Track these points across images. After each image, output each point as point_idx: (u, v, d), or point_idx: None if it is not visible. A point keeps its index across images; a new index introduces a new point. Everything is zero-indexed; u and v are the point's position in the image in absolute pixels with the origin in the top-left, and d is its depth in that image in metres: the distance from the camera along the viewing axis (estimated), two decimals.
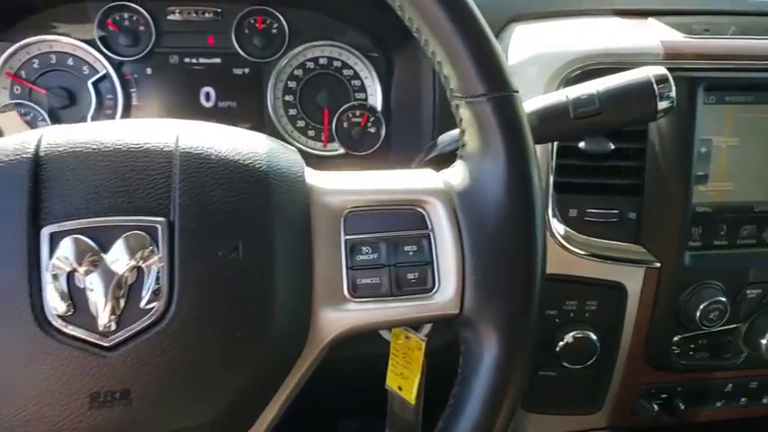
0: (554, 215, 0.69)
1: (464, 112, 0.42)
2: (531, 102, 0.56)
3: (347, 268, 0.42)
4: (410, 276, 0.42)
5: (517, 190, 0.41)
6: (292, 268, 0.41)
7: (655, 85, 0.53)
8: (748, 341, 0.74)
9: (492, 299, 0.41)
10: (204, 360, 0.38)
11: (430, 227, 0.43)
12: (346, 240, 0.42)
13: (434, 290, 0.42)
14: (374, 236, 0.43)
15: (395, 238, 0.43)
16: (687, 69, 0.66)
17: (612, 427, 0.82)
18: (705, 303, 0.69)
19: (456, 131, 0.61)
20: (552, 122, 0.55)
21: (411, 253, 0.43)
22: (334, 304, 0.42)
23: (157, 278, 0.38)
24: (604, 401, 0.79)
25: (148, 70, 0.82)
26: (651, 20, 0.73)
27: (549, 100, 0.55)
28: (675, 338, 0.73)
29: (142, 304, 0.38)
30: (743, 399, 0.82)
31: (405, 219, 0.43)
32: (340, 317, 0.42)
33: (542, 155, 0.68)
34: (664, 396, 0.79)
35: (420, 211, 0.43)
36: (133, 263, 0.38)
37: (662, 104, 0.53)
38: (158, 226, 0.38)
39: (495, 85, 0.41)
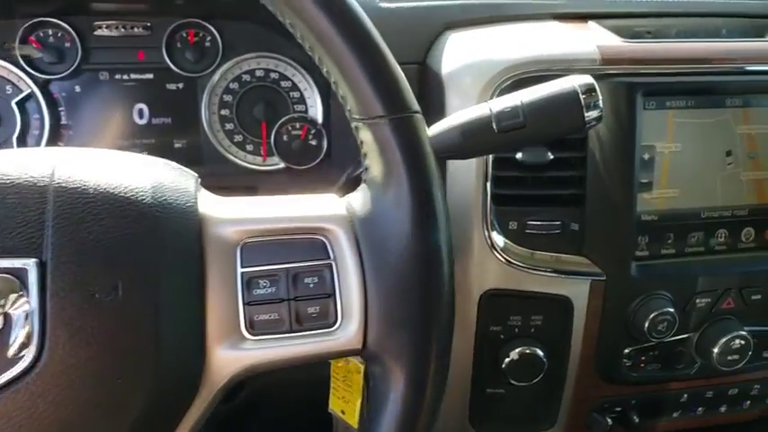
0: (493, 228, 0.66)
1: (364, 135, 0.39)
2: (455, 116, 0.53)
3: (244, 304, 0.39)
4: (311, 310, 0.40)
5: (419, 217, 0.38)
6: (181, 307, 0.38)
7: (581, 95, 0.50)
8: (700, 351, 0.72)
9: (395, 333, 0.38)
10: (80, 415, 0.35)
11: (332, 256, 0.40)
12: (242, 274, 0.40)
13: (337, 324, 0.40)
14: (272, 268, 0.40)
15: (294, 270, 0.40)
16: (625, 75, 0.64)
17: None
18: (653, 314, 0.67)
19: None
20: (476, 137, 0.52)
21: (312, 285, 0.40)
22: (231, 343, 0.39)
23: (27, 325, 0.35)
24: (557, 417, 0.77)
25: (77, 88, 0.79)
26: (591, 23, 0.71)
27: (472, 114, 0.52)
28: (626, 351, 0.71)
29: (9, 354, 0.35)
30: (699, 409, 0.80)
31: (305, 248, 0.41)
32: (237, 356, 0.39)
33: (479, 167, 0.65)
34: (618, 409, 0.77)
35: (321, 240, 0.40)
36: None
37: (589, 115, 0.51)
38: (28, 268, 0.35)
39: (394, 105, 0.39)
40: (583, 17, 0.72)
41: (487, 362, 0.71)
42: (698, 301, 0.71)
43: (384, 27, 0.72)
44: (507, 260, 0.67)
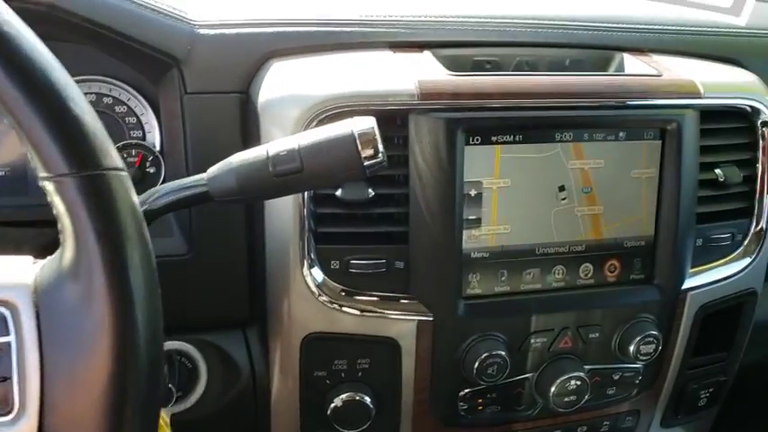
0: (314, 267, 0.63)
1: (51, 193, 0.35)
2: (234, 157, 0.50)
3: None
4: None
5: (110, 298, 0.34)
6: None
7: (357, 140, 0.47)
8: (540, 391, 0.70)
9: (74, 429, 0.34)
10: None
11: (11, 333, 0.35)
12: None
13: (13, 413, 0.35)
14: None
15: None
16: (445, 110, 0.62)
17: None
18: (483, 357, 0.65)
19: (189, 179, 0.54)
20: (251, 180, 0.49)
21: None
22: None
23: None
24: None
25: None
26: (426, 53, 0.69)
27: (249, 155, 0.49)
28: (461, 393, 0.69)
29: None
30: None
31: None
32: None
33: (296, 204, 0.62)
34: None
35: (2, 313, 0.36)
36: None
37: (368, 159, 0.48)
38: None
39: (83, 161, 0.34)
40: (420, 46, 0.70)
41: (314, 408, 0.67)
42: (533, 340, 0.68)
43: (203, 54, 0.71)
44: (330, 301, 0.63)
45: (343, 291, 0.64)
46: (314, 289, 0.63)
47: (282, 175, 0.48)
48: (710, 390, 0.82)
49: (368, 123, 0.48)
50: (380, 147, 0.48)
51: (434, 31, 0.71)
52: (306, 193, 0.62)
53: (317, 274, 0.63)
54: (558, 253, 0.68)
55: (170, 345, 0.68)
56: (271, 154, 0.48)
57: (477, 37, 0.72)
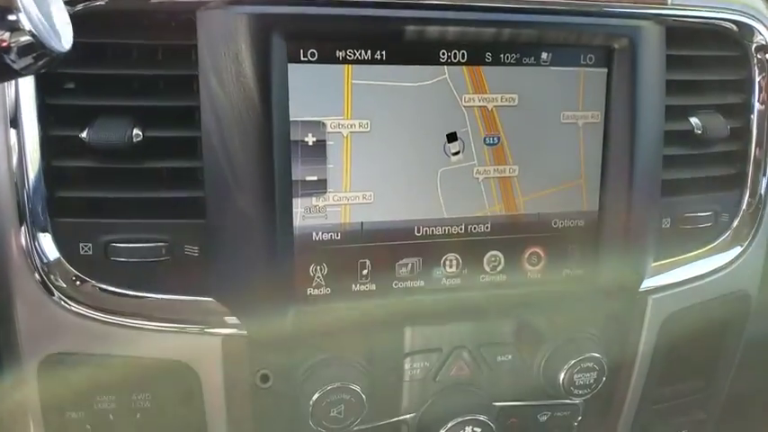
0: (44, 253, 0.40)
1: None
2: None
3: None
4: None
5: None
6: None
7: None
8: None
9: None
10: None
11: None
12: None
13: None
14: None
15: None
16: (253, 2, 0.40)
17: None
18: (322, 393, 0.42)
19: None
20: None
21: None
22: None
23: None
24: None
25: None
26: None
27: None
28: None
29: None
30: None
31: None
32: None
33: (3, 149, 0.39)
34: None
35: None
36: None
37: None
38: None
39: None
40: None
41: None
42: (410, 366, 0.46)
43: None
44: (80, 306, 0.41)
45: (100, 289, 0.41)
46: (51, 287, 0.41)
47: None
48: None
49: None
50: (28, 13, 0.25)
51: None
52: (29, 132, 0.39)
53: (57, 264, 0.41)
54: (450, 235, 0.46)
55: None
56: None
57: None
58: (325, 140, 0.42)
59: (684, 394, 0.58)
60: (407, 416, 0.47)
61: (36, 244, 0.40)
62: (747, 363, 0.59)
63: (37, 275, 0.40)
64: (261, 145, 0.40)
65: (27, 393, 0.42)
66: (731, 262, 0.54)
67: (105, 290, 0.41)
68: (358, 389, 0.43)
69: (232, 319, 0.43)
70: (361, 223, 0.44)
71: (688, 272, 0.53)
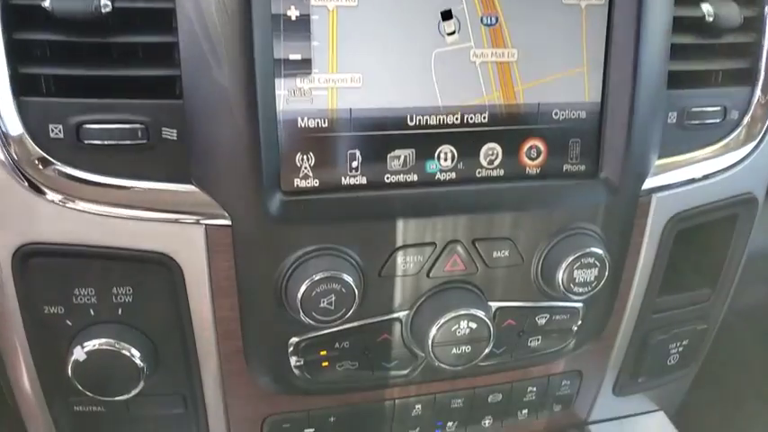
0: (10, 136, 0.37)
1: None
2: None
3: None
4: None
5: None
6: None
7: None
8: (417, 339, 0.46)
9: None
10: None
11: None
12: None
13: None
14: None
15: None
16: None
17: None
18: (309, 284, 0.40)
19: None
20: None
21: None
22: None
23: None
24: None
25: None
26: None
27: None
28: (292, 341, 0.45)
29: None
30: (451, 424, 0.56)
31: None
32: None
33: None
34: (309, 431, 0.51)
35: None
36: None
37: None
38: None
39: None
40: None
41: (53, 365, 0.43)
42: (402, 260, 0.44)
43: None
44: (53, 193, 0.39)
45: (70, 176, 0.38)
46: (18, 171, 0.38)
47: None
48: (685, 343, 0.59)
49: None
50: None
51: None
52: None
53: (25, 146, 0.38)
54: (445, 125, 0.43)
55: None
56: None
57: None
58: (309, 15, 0.40)
59: (686, 303, 0.57)
60: (401, 313, 0.45)
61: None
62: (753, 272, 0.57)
63: (6, 156, 0.38)
64: (240, 18, 0.37)
65: (4, 288, 0.41)
66: (739, 162, 0.51)
67: (78, 178, 0.39)
68: (348, 279, 0.41)
69: (215, 209, 0.40)
70: (350, 110, 0.42)
71: (693, 171, 0.50)
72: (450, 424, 0.54)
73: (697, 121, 0.49)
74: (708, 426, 0.68)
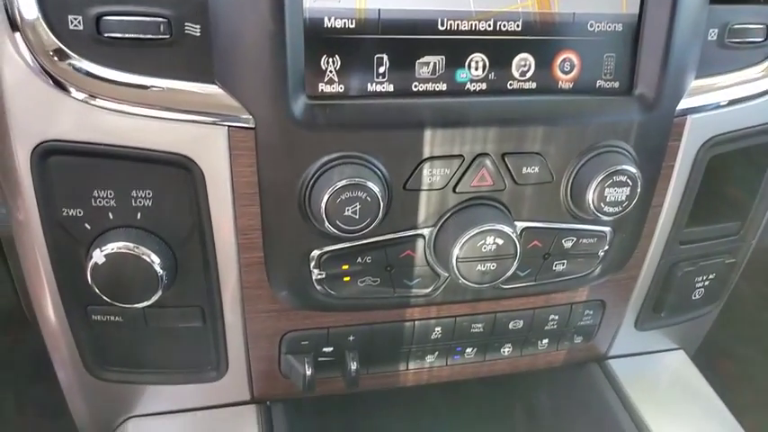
0: (26, 22, 0.35)
1: None
2: None
3: None
4: None
5: None
6: None
7: None
8: (440, 257, 0.44)
9: None
10: None
11: None
12: None
13: None
14: None
15: None
16: None
17: (258, 400, 0.53)
18: (334, 191, 0.39)
19: None
20: None
21: None
22: None
23: None
24: (222, 361, 0.49)
25: None
26: None
27: None
28: (314, 253, 0.43)
29: None
30: (470, 350, 0.55)
31: None
32: None
33: None
34: (327, 350, 0.51)
35: None
36: None
37: None
38: None
39: None
40: None
41: (71, 271, 0.43)
42: (428, 172, 0.42)
43: None
44: (70, 88, 0.37)
45: (88, 74, 0.37)
46: (37, 63, 0.37)
47: None
48: (711, 276, 0.57)
49: None
50: None
51: None
52: None
53: (39, 35, 0.37)
54: (477, 32, 0.41)
55: None
56: None
57: None
58: None
59: (716, 235, 0.55)
60: (425, 230, 0.44)
61: (17, 11, 0.36)
62: None
63: (25, 46, 0.37)
64: None
65: (21, 186, 0.40)
66: None
67: (96, 75, 0.37)
68: (374, 187, 0.40)
69: (238, 110, 0.39)
70: (378, 10, 0.40)
71: (731, 93, 0.48)
72: (468, 350, 0.54)
73: (738, 40, 0.47)
74: (727, 367, 0.68)
